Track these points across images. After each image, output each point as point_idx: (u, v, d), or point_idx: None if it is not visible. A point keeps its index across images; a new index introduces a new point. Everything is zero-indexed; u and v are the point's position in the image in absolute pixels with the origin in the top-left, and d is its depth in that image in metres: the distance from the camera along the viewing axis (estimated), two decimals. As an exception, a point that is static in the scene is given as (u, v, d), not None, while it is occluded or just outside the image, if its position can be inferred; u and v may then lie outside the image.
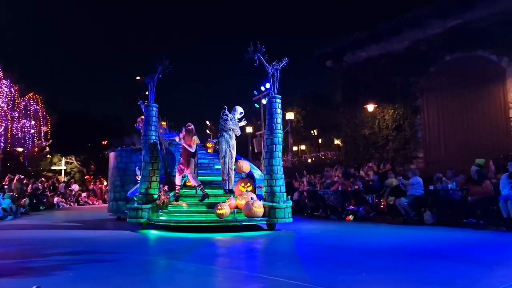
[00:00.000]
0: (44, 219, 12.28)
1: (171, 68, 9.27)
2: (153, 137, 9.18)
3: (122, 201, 11.50)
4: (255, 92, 17.49)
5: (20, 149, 22.71)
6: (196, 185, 9.07)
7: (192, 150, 8.97)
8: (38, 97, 24.05)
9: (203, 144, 11.75)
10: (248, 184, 8.84)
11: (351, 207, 10.88)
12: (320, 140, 29.18)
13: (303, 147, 28.37)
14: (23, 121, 22.75)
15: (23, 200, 14.69)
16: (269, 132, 8.45)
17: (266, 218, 8.06)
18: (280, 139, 8.46)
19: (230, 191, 8.93)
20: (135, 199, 8.95)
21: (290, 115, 22.89)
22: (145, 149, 9.10)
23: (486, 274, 4.20)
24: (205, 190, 8.93)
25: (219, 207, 8.08)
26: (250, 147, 18.86)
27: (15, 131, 22.11)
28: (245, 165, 9.57)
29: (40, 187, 18.03)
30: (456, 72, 12.71)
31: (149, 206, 8.64)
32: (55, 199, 18.47)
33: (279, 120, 8.49)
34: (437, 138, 13.48)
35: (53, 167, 27.36)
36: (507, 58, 11.61)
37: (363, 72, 15.17)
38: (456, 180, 9.45)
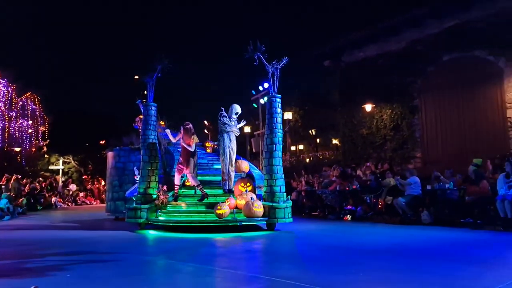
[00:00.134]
0: (41, 219, 12.25)
1: (170, 67, 9.24)
2: (152, 137, 9.14)
3: (120, 201, 11.47)
4: (253, 92, 17.47)
5: (17, 149, 22.63)
6: (195, 185, 9.03)
7: (192, 149, 8.90)
8: (35, 96, 23.99)
9: (202, 144, 11.73)
10: (248, 184, 8.81)
11: (349, 206, 10.90)
12: (318, 140, 29.19)
13: (301, 146, 28.38)
14: (21, 120, 22.69)
15: (20, 200, 14.66)
16: (269, 132, 8.42)
17: (266, 218, 8.03)
18: (280, 139, 8.43)
19: (230, 191, 8.90)
20: (134, 199, 8.90)
21: (288, 115, 22.87)
22: (143, 148, 9.05)
23: (483, 273, 4.22)
24: (204, 190, 8.89)
25: (218, 207, 8.04)
26: (248, 147, 18.85)
27: (12, 130, 22.04)
28: (244, 165, 9.56)
29: (38, 187, 18.00)
30: (453, 72, 12.74)
31: (147, 206, 8.60)
32: (53, 199, 18.43)
33: (279, 120, 8.46)
34: (434, 138, 13.51)
35: (50, 167, 27.24)
36: (504, 58, 11.64)
37: (361, 72, 15.18)
38: (453, 179, 9.48)
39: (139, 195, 8.83)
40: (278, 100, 8.45)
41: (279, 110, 8.47)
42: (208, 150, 12.00)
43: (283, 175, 8.40)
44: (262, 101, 16.94)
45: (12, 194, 14.40)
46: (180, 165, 8.96)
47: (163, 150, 10.06)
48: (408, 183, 9.61)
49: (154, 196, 8.77)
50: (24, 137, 22.85)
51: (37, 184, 18.40)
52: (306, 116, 26.29)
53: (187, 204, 8.90)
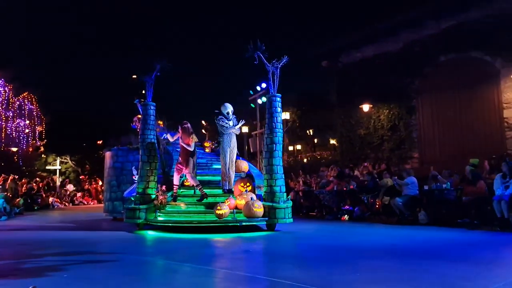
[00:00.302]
0: (38, 219, 12.22)
1: (170, 66, 9.20)
2: (151, 136, 9.06)
3: (118, 201, 11.43)
4: (251, 92, 17.45)
5: (14, 149, 22.58)
6: (194, 185, 8.97)
7: (191, 149, 8.83)
8: (32, 96, 23.95)
9: (201, 144, 11.69)
10: (248, 184, 8.77)
11: (347, 207, 10.92)
12: (315, 140, 29.21)
13: (298, 147, 28.37)
14: (18, 120, 22.64)
15: (17, 200, 14.62)
16: (269, 131, 8.36)
17: (266, 218, 7.98)
18: (280, 138, 8.37)
19: (229, 191, 8.84)
20: (132, 199, 8.82)
21: (285, 115, 22.86)
22: (142, 148, 8.98)
23: (480, 273, 4.24)
24: (204, 190, 8.83)
25: (218, 207, 7.99)
26: (246, 147, 18.86)
27: (9, 130, 22.00)
28: (244, 165, 9.53)
29: (35, 187, 17.95)
30: (450, 72, 12.79)
31: (146, 206, 8.52)
32: (50, 199, 18.38)
33: (279, 119, 8.40)
34: (432, 138, 13.56)
35: (47, 167, 27.18)
36: (500, 59, 11.70)
37: (359, 72, 15.21)
38: (450, 180, 9.51)
39: (137, 195, 8.75)
40: (278, 99, 8.40)
41: (279, 109, 8.41)
42: (207, 150, 11.96)
43: (283, 175, 8.34)
44: (260, 101, 16.94)
45: (9, 194, 14.36)
46: (179, 165, 8.89)
47: (162, 150, 10.01)
48: (405, 183, 9.63)
49: (153, 196, 8.70)
50: (21, 137, 22.82)
51: (34, 184, 18.36)
52: (304, 116, 26.28)
53: (186, 204, 8.84)
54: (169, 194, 8.93)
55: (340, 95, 16.39)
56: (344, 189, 11.29)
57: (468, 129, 12.48)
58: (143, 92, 10.31)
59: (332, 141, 25.67)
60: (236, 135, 9.26)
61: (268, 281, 3.97)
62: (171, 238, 7.39)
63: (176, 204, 8.86)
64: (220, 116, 9.02)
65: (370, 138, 15.02)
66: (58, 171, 25.70)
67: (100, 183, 22.37)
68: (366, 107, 14.96)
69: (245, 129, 18.82)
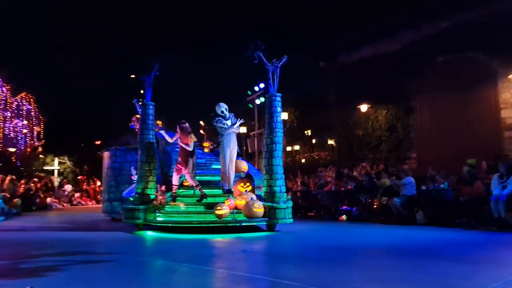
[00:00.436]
0: (36, 219, 12.19)
1: (169, 65, 9.17)
2: (150, 136, 8.99)
3: (116, 201, 11.39)
4: (249, 92, 17.46)
5: (12, 149, 22.54)
6: (194, 185, 8.91)
7: (190, 148, 8.77)
8: (30, 96, 23.91)
9: (200, 144, 11.65)
10: (247, 184, 8.72)
11: (344, 207, 10.93)
12: (313, 141, 29.24)
13: (296, 147, 28.38)
14: (15, 121, 22.60)
15: (15, 200, 14.57)
16: (268, 131, 8.31)
17: (266, 218, 7.94)
18: (280, 138, 8.32)
19: (229, 191, 8.79)
20: (131, 199, 8.75)
21: (284, 116, 22.87)
22: (141, 148, 8.91)
23: (477, 273, 4.26)
24: (203, 190, 8.78)
25: (218, 208, 7.94)
26: (244, 147, 18.87)
27: (7, 131, 21.95)
28: (243, 165, 9.50)
29: (33, 187, 17.91)
30: (448, 73, 12.82)
31: (145, 206, 8.46)
32: (48, 199, 18.34)
33: (279, 119, 8.36)
34: (429, 139, 13.59)
35: (45, 167, 27.12)
36: (498, 59, 11.74)
37: (357, 73, 15.24)
38: (448, 180, 9.54)
39: (136, 195, 8.69)
40: (278, 99, 8.35)
41: (279, 109, 8.37)
42: (206, 150, 11.91)
43: (283, 175, 8.30)
44: (258, 102, 16.95)
45: (7, 194, 14.33)
46: (178, 165, 8.85)
47: (160, 150, 9.98)
48: (403, 184, 9.66)
49: (152, 196, 8.63)
50: (19, 138, 22.77)
51: (32, 184, 18.31)
52: (302, 116, 26.30)
53: (185, 205, 8.80)
54: (168, 194, 8.89)
55: (338, 96, 16.42)
56: (342, 189, 11.30)
57: (466, 130, 12.51)
58: (141, 91, 10.29)
59: (330, 142, 25.69)
60: (236, 134, 9.18)
61: (267, 281, 3.97)
62: (170, 239, 7.36)
63: (175, 204, 8.82)
64: (217, 118, 8.93)
65: (368, 139, 15.05)
66: (56, 171, 25.67)
67: (98, 183, 22.34)
68: (364, 108, 14.99)
69: (243, 130, 18.84)
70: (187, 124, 8.94)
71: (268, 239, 7.38)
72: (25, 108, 23.32)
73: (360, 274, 4.26)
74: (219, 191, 9.03)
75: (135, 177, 9.62)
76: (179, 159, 8.91)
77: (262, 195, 8.42)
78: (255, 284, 3.92)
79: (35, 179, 20.31)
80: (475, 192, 8.53)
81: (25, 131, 23.23)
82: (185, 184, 9.39)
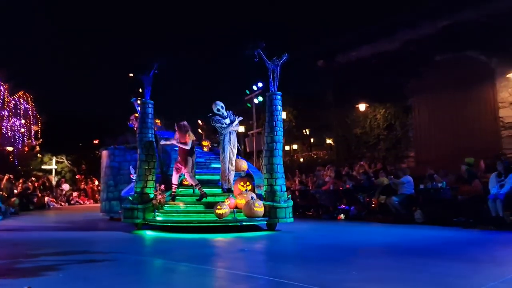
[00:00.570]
0: (34, 219, 12.16)
1: (168, 64, 9.12)
2: (149, 135, 8.92)
3: (115, 200, 11.34)
4: (247, 92, 17.44)
5: (9, 148, 22.46)
6: (193, 184, 8.85)
7: (188, 147, 8.72)
8: (28, 95, 23.81)
9: (199, 143, 11.60)
10: (248, 183, 8.67)
11: (343, 206, 10.94)
12: (312, 140, 29.27)
13: (295, 146, 28.40)
14: (13, 120, 22.52)
15: (13, 199, 14.53)
16: (269, 130, 8.26)
17: (267, 218, 7.89)
18: (281, 137, 8.28)
19: (229, 190, 8.74)
20: (130, 198, 8.69)
21: (282, 115, 22.89)
22: (140, 147, 8.83)
23: (475, 272, 4.26)
24: (203, 189, 8.72)
25: (218, 207, 7.88)
26: (243, 147, 18.87)
27: (4, 130, 21.87)
28: (243, 164, 9.46)
29: (30, 186, 17.86)
30: (446, 72, 12.84)
31: (145, 206, 8.40)
32: (46, 198, 18.29)
33: (280, 117, 8.31)
34: (427, 138, 13.61)
35: (43, 167, 27.05)
36: (496, 58, 11.76)
37: (355, 72, 15.25)
38: (446, 179, 9.55)
39: (135, 194, 8.63)
40: (279, 97, 8.31)
41: (279, 107, 8.32)
42: (205, 149, 11.85)
43: (283, 174, 8.27)
44: (256, 101, 16.94)
45: (4, 194, 14.29)
46: (178, 164, 8.80)
47: (160, 149, 9.94)
48: (401, 182, 9.68)
49: (152, 195, 8.57)
50: (16, 137, 22.69)
51: (29, 184, 18.27)
52: (300, 116, 26.31)
53: (185, 204, 8.73)
54: (168, 193, 8.82)
55: (336, 95, 16.43)
56: (340, 188, 11.31)
57: (464, 129, 12.54)
58: (140, 90, 10.24)
59: (329, 141, 25.72)
60: (236, 132, 9.10)
61: (266, 280, 3.97)
62: (170, 238, 7.32)
63: (175, 204, 8.75)
64: (216, 117, 8.85)
65: (366, 138, 15.07)
66: (54, 170, 25.61)
67: (96, 182, 22.30)
68: (362, 107, 15.00)
69: (241, 129, 18.84)
70: (184, 123, 8.87)
71: (268, 238, 7.35)
72: (22, 107, 23.22)
73: (359, 273, 4.26)
74: (219, 190, 8.96)
75: (134, 176, 9.57)
76: (178, 158, 8.86)
77: (263, 194, 8.36)
78: (254, 283, 3.92)
79: (33, 178, 20.26)
80: (473, 191, 8.55)
81: (22, 130, 23.15)
82: (185, 183, 9.31)
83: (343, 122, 15.95)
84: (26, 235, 8.20)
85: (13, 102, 22.75)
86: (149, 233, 8.02)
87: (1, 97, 21.95)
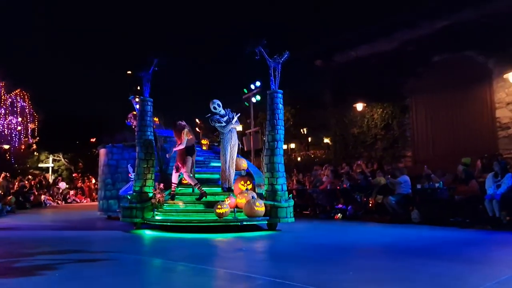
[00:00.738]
0: (30, 217, 12.12)
1: (168, 61, 9.04)
2: (148, 133, 8.83)
3: (113, 199, 11.29)
4: (245, 90, 17.42)
5: (6, 146, 22.39)
6: (192, 184, 8.76)
7: (182, 146, 8.64)
8: (25, 93, 23.73)
9: (198, 141, 11.55)
10: (248, 182, 8.60)
11: (340, 205, 10.96)
12: (309, 139, 29.31)
13: (292, 145, 28.45)
14: (10, 117, 22.43)
15: (9, 198, 14.49)
16: (270, 128, 8.20)
17: (268, 217, 7.82)
18: (282, 136, 8.22)
19: (229, 189, 8.68)
20: (129, 197, 8.61)
21: (283, 113, 22.88)
22: (139, 145, 8.73)
23: (471, 272, 4.28)
24: (202, 188, 8.64)
25: (218, 206, 7.79)
26: (240, 146, 18.86)
27: (1, 128, 21.79)
28: (243, 163, 9.40)
29: (27, 185, 17.81)
30: (444, 72, 12.85)
31: (144, 205, 8.32)
32: (42, 197, 18.25)
33: (281, 116, 8.25)
34: (425, 137, 13.64)
35: (40, 165, 27.02)
36: (493, 59, 11.78)
37: (353, 71, 15.25)
38: (443, 179, 9.58)
39: (134, 193, 8.54)
40: (280, 95, 8.25)
41: (280, 106, 8.25)
42: (204, 148, 11.78)
43: (284, 173, 8.20)
44: (254, 100, 16.93)
45: (0, 192, 14.25)
46: (177, 163, 8.75)
47: (159, 147, 9.87)
48: (398, 182, 9.70)
49: (150, 194, 8.48)
50: (13, 135, 22.61)
51: (26, 182, 18.22)
52: (298, 115, 26.36)
53: (184, 203, 8.64)
54: (167, 192, 8.75)
55: (334, 94, 16.43)
56: (338, 188, 11.32)
57: (461, 129, 12.57)
58: (138, 88, 10.19)
59: (326, 140, 25.76)
60: (236, 130, 9.03)
61: (263, 280, 3.97)
62: (169, 238, 7.26)
63: (174, 203, 8.66)
64: (215, 117, 8.80)
65: (363, 137, 15.08)
66: (50, 168, 25.55)
67: (94, 181, 22.26)
68: (360, 106, 15.01)
69: (239, 128, 18.82)
70: (179, 122, 8.81)
71: (268, 238, 7.30)
72: (19, 105, 23.13)
73: (356, 273, 4.27)
74: (219, 189, 8.89)
75: (132, 175, 9.50)
76: (177, 157, 8.82)
77: (263, 193, 8.29)
78: (251, 283, 3.92)
79: (30, 177, 20.22)
80: (470, 191, 8.58)
81: (19, 128, 23.07)
82: (184, 182, 9.20)
83: (340, 121, 15.96)
84: (22, 234, 8.17)
85: (10, 100, 22.66)
86: (148, 233, 7.94)
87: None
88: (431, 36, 13.05)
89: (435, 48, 13.03)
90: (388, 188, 10.01)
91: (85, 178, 23.75)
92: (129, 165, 10.45)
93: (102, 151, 12.42)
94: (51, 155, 27.25)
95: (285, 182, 8.23)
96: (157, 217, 8.25)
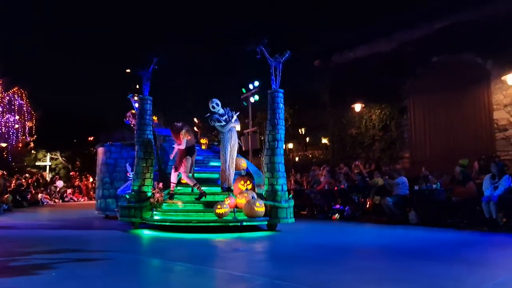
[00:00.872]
0: (27, 216, 12.08)
1: (168, 59, 9.01)
2: (148, 132, 8.78)
3: (111, 198, 11.22)
4: (244, 90, 17.42)
5: (3, 145, 22.32)
6: (191, 184, 8.72)
7: (182, 147, 8.63)
8: (22, 91, 23.65)
9: (196, 141, 11.52)
10: (248, 182, 8.56)
11: (337, 206, 10.97)
12: (307, 139, 29.33)
13: (290, 145, 28.46)
14: (7, 116, 22.36)
15: (6, 196, 14.44)
16: (271, 128, 8.16)
17: (267, 218, 7.78)
18: (283, 135, 8.18)
19: (228, 189, 8.64)
20: (127, 197, 8.56)
21: (284, 113, 22.89)
22: (138, 144, 8.66)
23: (468, 274, 4.29)
24: (202, 188, 8.60)
25: (218, 206, 7.74)
26: (241, 145, 18.86)
27: (-2, 126, 21.72)
28: (242, 162, 9.37)
29: (24, 183, 17.76)
30: (442, 73, 12.87)
31: (142, 204, 8.26)
32: (39, 195, 18.20)
33: (282, 115, 8.21)
34: (422, 139, 13.66)
35: (37, 163, 26.96)
36: (492, 60, 11.79)
37: (351, 72, 15.25)
38: (440, 180, 9.60)
39: (133, 193, 8.47)
40: (281, 95, 8.22)
41: (281, 105, 8.22)
42: (203, 147, 11.75)
43: (285, 173, 8.18)
44: (252, 100, 16.94)
45: (-3, 190, 14.20)
46: (176, 163, 8.73)
47: (158, 146, 9.83)
48: (395, 183, 9.71)
49: (149, 194, 8.42)
50: (10, 133, 22.53)
51: (23, 180, 18.16)
52: (296, 115, 26.38)
53: (183, 203, 8.58)
54: (166, 192, 8.69)
55: (332, 95, 16.43)
56: (335, 188, 11.34)
57: (459, 130, 12.59)
58: (137, 86, 10.13)
59: (324, 140, 25.78)
60: (235, 130, 8.99)
61: (261, 280, 3.97)
62: (168, 238, 7.23)
63: (173, 202, 8.60)
64: (214, 116, 8.77)
65: (361, 138, 15.10)
66: (48, 167, 25.49)
67: (91, 179, 22.22)
68: (358, 107, 15.02)
69: (238, 127, 18.82)
70: (176, 123, 8.77)
71: (268, 239, 7.28)
72: (17, 103, 23.05)
73: (353, 274, 4.28)
74: (218, 189, 8.84)
75: (130, 174, 9.46)
76: (177, 157, 8.77)
77: (263, 193, 8.25)
78: (249, 283, 3.92)
79: (27, 175, 20.16)
80: (467, 192, 8.60)
81: (17, 126, 22.99)
82: (183, 181, 9.12)
83: (338, 122, 15.97)
84: (19, 233, 8.14)
85: (8, 98, 22.59)
86: (146, 232, 7.90)
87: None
88: (430, 37, 13.06)
89: (433, 49, 13.04)
90: (386, 189, 10.02)
91: (83, 176, 23.70)
92: (127, 164, 10.38)
93: (100, 150, 12.35)
94: (48, 153, 27.20)
95: (286, 182, 8.19)
96: (155, 217, 8.19)
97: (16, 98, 23.10)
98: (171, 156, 9.17)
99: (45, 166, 27.05)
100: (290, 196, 8.33)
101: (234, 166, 8.88)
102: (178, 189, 9.08)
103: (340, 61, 15.96)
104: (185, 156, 8.64)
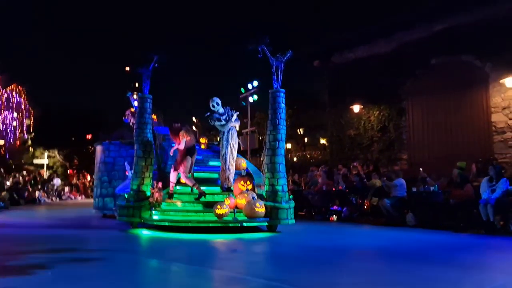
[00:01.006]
0: (24, 214, 12.03)
1: (168, 57, 8.97)
2: (147, 131, 8.69)
3: (109, 197, 11.14)
4: (242, 90, 17.41)
5: (1, 142, 22.25)
6: (190, 185, 8.65)
7: (181, 147, 8.57)
8: (21, 89, 23.57)
9: (197, 141, 11.47)
10: (248, 183, 8.48)
11: (335, 207, 10.96)
12: (306, 139, 29.33)
13: (288, 145, 28.48)
14: (5, 113, 22.29)
15: (3, 194, 14.39)
16: (271, 128, 8.11)
17: (268, 219, 7.72)
18: (284, 135, 8.14)
19: (228, 189, 8.58)
20: (126, 196, 8.45)
21: (285, 112, 22.88)
22: (137, 143, 8.56)
23: (465, 277, 4.30)
24: (201, 188, 8.53)
25: (218, 207, 7.66)
26: (241, 145, 18.85)
27: (-4, 123, 21.65)
28: (242, 162, 9.32)
29: (21, 181, 17.70)
30: (441, 75, 12.89)
31: (141, 204, 8.17)
32: (36, 193, 18.14)
33: (283, 115, 8.17)
34: (421, 140, 13.67)
35: (35, 161, 26.84)
36: (490, 63, 11.81)
37: (350, 73, 15.26)
38: (438, 182, 9.60)
39: (131, 192, 8.37)
40: (282, 95, 8.18)
41: (283, 105, 8.17)
42: (203, 147, 11.70)
43: (285, 174, 8.13)
44: (251, 99, 16.93)
45: (-6, 188, 14.15)
46: (176, 163, 8.69)
47: (157, 145, 9.78)
48: (393, 185, 9.71)
49: (148, 193, 8.34)
50: (8, 130, 22.46)
51: (20, 178, 18.11)
52: (295, 115, 26.38)
53: (182, 202, 8.51)
54: (165, 191, 8.61)
55: (331, 95, 16.43)
56: (333, 189, 11.33)
57: (457, 132, 12.60)
58: (136, 85, 10.10)
59: (323, 141, 25.79)
60: (235, 129, 8.94)
61: (257, 283, 3.96)
62: (166, 238, 7.19)
63: (172, 202, 8.53)
64: (214, 115, 8.72)
65: (360, 139, 15.10)
66: (45, 165, 25.39)
67: (89, 178, 22.18)
68: (356, 108, 15.03)
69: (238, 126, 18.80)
70: (174, 124, 8.73)
71: (267, 240, 7.25)
72: (15, 101, 22.98)
73: (351, 276, 4.28)
74: (218, 189, 8.79)
75: (129, 173, 9.39)
76: (177, 157, 8.71)
77: (263, 194, 8.19)
78: (245, 285, 3.92)
79: (24, 173, 20.09)
80: (465, 195, 8.60)
81: (14, 123, 22.92)
82: (182, 181, 9.02)
83: (337, 122, 15.96)
84: (15, 231, 8.10)
85: (6, 95, 22.52)
86: (145, 232, 7.84)
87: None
88: (429, 38, 13.07)
89: (433, 51, 13.05)
90: (384, 190, 10.02)
91: (80, 175, 23.65)
92: (126, 163, 10.27)
93: (99, 148, 12.26)
94: (46, 151, 27.08)
95: (286, 183, 8.14)
96: (154, 217, 8.12)
97: (14, 95, 23.03)
98: (171, 153, 9.12)
99: (43, 164, 26.93)
100: (291, 197, 8.27)
101: (234, 166, 8.82)
102: (178, 189, 8.99)
103: (339, 62, 15.95)
104: (185, 157, 8.58)
